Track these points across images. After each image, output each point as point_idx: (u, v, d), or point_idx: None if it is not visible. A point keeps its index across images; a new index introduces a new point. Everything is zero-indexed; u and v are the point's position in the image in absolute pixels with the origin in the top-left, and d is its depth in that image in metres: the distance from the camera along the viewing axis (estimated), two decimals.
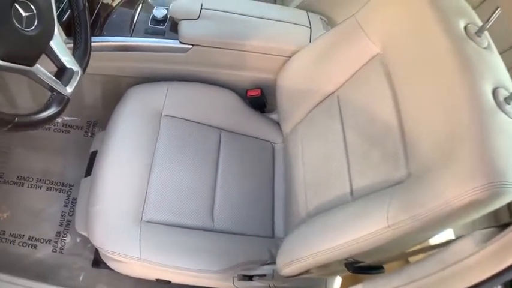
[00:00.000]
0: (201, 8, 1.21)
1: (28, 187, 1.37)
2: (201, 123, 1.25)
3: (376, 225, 0.68)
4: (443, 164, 0.60)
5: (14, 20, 0.74)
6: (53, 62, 0.88)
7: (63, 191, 1.37)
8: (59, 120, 1.49)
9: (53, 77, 0.85)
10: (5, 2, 0.72)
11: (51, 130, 1.48)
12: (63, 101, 0.87)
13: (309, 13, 1.27)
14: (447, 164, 0.59)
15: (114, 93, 1.30)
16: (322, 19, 1.26)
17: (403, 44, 0.82)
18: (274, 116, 1.36)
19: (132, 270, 1.09)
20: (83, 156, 1.30)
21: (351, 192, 0.87)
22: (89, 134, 1.49)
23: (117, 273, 1.18)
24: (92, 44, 1.01)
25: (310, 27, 1.21)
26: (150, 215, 1.05)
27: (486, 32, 0.72)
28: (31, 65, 0.79)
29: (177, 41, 1.21)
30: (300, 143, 1.16)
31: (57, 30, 0.86)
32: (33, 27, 0.78)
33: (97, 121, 1.50)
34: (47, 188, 1.37)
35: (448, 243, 0.61)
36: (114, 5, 1.37)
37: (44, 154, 1.43)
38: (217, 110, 1.27)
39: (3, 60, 0.72)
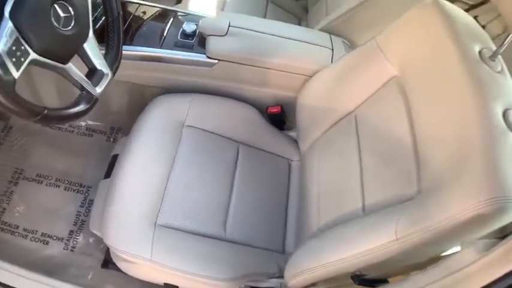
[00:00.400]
0: (229, 26, 1.27)
1: (46, 185, 1.41)
2: (221, 136, 1.28)
3: (385, 239, 0.68)
4: (451, 179, 0.61)
5: (52, 19, 0.80)
6: (85, 63, 0.93)
7: (81, 192, 1.41)
8: (82, 123, 1.54)
9: (84, 77, 0.90)
10: (46, 2, 0.78)
11: (75, 133, 1.54)
12: (91, 100, 0.91)
13: (332, 36, 1.30)
14: (455, 180, 0.60)
15: (139, 101, 1.35)
16: (344, 42, 1.29)
17: (420, 67, 0.84)
18: (292, 133, 1.38)
19: (141, 272, 1.10)
20: (104, 160, 1.33)
21: (363, 208, 0.88)
22: (111, 139, 1.53)
23: (126, 275, 1.20)
24: (125, 52, 1.06)
25: (332, 49, 1.25)
26: (164, 219, 1.07)
27: (500, 57, 0.74)
28: (64, 63, 0.84)
29: (204, 56, 1.26)
30: (316, 161, 1.17)
31: (92, 33, 0.92)
32: (69, 28, 0.83)
33: (120, 128, 1.55)
34: (65, 188, 1.41)
35: (453, 253, 0.61)
36: (145, 17, 1.43)
37: (65, 155, 1.48)
38: (237, 124, 1.30)
39: (39, 55, 0.77)
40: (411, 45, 0.87)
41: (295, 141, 1.35)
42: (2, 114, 1.55)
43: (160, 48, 1.28)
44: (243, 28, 1.28)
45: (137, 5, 1.43)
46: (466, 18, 0.81)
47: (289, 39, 1.27)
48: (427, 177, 0.71)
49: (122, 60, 1.17)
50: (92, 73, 0.94)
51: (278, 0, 1.81)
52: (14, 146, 1.49)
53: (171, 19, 1.39)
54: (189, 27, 1.32)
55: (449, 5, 0.81)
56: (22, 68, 0.74)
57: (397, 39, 0.92)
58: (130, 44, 1.29)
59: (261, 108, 1.35)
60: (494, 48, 0.76)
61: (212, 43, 1.25)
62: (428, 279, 0.59)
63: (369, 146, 0.96)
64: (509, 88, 0.70)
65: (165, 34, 1.33)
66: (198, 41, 1.31)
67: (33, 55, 0.76)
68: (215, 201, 1.15)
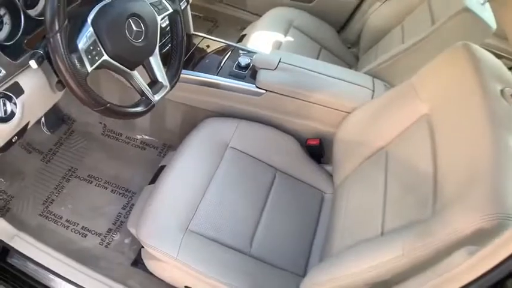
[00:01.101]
0: (279, 61, 1.39)
1: (95, 186, 1.55)
2: (261, 161, 1.36)
3: (393, 254, 0.71)
4: (458, 198, 0.64)
5: (126, 31, 0.95)
6: (148, 73, 1.08)
7: (125, 196, 1.53)
8: (138, 136, 1.70)
9: (146, 85, 1.04)
10: (123, 16, 0.94)
11: (130, 144, 1.69)
12: (149, 105, 1.04)
13: (374, 79, 1.38)
14: (461, 198, 0.63)
15: (191, 122, 1.47)
16: (385, 85, 1.36)
17: (447, 104, 0.89)
18: (329, 168, 1.43)
19: (166, 272, 1.17)
20: (151, 172, 1.46)
21: (381, 234, 0.90)
22: (162, 154, 1.67)
23: (151, 277, 1.28)
24: (183, 75, 1.21)
25: (373, 90, 1.32)
26: (195, 226, 1.15)
27: None
28: (131, 69, 0.99)
29: (254, 85, 1.39)
30: (346, 193, 1.21)
31: (157, 50, 1.07)
32: (139, 41, 0.99)
33: (171, 145, 1.68)
34: (112, 190, 1.54)
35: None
36: (208, 50, 1.60)
37: (117, 162, 1.63)
38: (277, 152, 1.38)
39: (111, 58, 0.92)
40: (442, 85, 0.93)
41: (330, 175, 1.40)
42: (66, 119, 1.76)
43: (216, 76, 1.42)
44: (292, 65, 1.39)
45: (201, 38, 1.61)
46: (493, 60, 0.86)
47: (333, 77, 1.36)
48: (440, 201, 0.74)
49: (182, 83, 1.33)
50: (153, 83, 1.08)
51: (331, 47, 1.94)
52: (72, 148, 1.67)
53: (229, 53, 1.54)
54: (243, 60, 1.46)
55: (477, 47, 0.87)
56: (95, 65, 0.89)
57: (429, 79, 0.98)
58: (191, 70, 1.44)
59: (301, 140, 1.43)
60: None
61: (262, 75, 1.37)
62: (420, 282, 0.61)
63: (394, 177, 1.00)
64: None
65: (222, 64, 1.48)
66: (250, 73, 1.44)
67: (105, 57, 0.91)
68: (246, 218, 1.21)
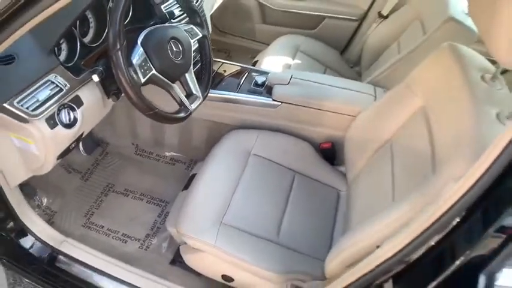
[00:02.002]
0: (291, 77, 1.59)
1: (132, 198, 1.72)
2: (281, 165, 1.53)
3: (400, 211, 0.86)
4: (449, 160, 0.81)
5: (168, 51, 1.16)
6: (183, 87, 1.27)
7: (160, 205, 1.69)
8: (167, 154, 1.89)
9: (184, 96, 1.23)
10: (165, 39, 1.15)
11: (160, 161, 1.87)
12: (187, 113, 1.23)
13: (376, 87, 1.57)
14: (451, 159, 0.80)
15: (215, 137, 1.65)
16: (385, 91, 1.54)
17: (438, 95, 1.07)
18: (342, 168, 1.59)
19: (203, 263, 1.30)
20: (182, 183, 1.63)
21: None
22: (190, 168, 1.84)
23: (188, 273, 1.41)
24: (208, 94, 1.42)
25: (375, 96, 1.51)
26: (228, 220, 1.30)
27: (502, 78, 0.95)
28: (173, 82, 1.18)
29: (270, 99, 1.58)
30: (359, 187, 1.37)
31: (191, 68, 1.27)
32: (179, 59, 1.19)
33: (197, 160, 1.86)
34: (147, 201, 1.71)
35: None
36: (225, 74, 1.80)
37: (150, 177, 1.80)
38: (294, 156, 1.55)
39: (158, 72, 1.12)
40: (432, 80, 1.11)
41: (344, 175, 1.56)
42: (101, 142, 1.94)
43: (237, 93, 1.62)
44: (302, 79, 1.60)
45: (220, 63, 1.82)
46: (474, 54, 1.05)
47: (339, 88, 1.56)
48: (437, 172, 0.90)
49: (206, 101, 1.52)
50: (189, 95, 1.27)
51: (335, 67, 2.15)
52: (108, 167, 1.85)
53: (246, 74, 1.74)
54: (260, 78, 1.66)
55: (460, 46, 1.06)
56: (146, 77, 1.08)
57: (421, 77, 1.16)
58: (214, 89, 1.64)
59: (315, 145, 1.60)
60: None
61: (277, 89, 1.57)
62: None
63: (400, 163, 1.16)
64: (504, 99, 0.90)
65: (240, 84, 1.67)
66: (265, 90, 1.64)
67: (153, 71, 1.11)
68: (271, 212, 1.37)
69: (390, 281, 0.77)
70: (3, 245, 1.38)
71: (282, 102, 1.56)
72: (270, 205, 1.39)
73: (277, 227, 1.34)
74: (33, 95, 1.01)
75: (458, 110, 0.94)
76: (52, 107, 1.05)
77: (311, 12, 2.30)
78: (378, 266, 0.79)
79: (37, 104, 1.01)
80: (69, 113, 1.09)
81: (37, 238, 1.39)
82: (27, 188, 1.54)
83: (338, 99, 1.52)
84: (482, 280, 0.61)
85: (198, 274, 1.42)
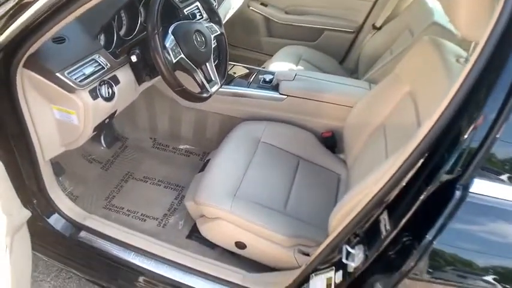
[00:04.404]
0: (296, 75, 1.79)
1: (150, 184, 1.87)
2: (286, 151, 1.70)
3: (390, 164, 1.03)
4: None
5: (194, 40, 1.35)
6: (204, 74, 1.46)
7: (176, 190, 1.84)
8: (182, 147, 2.06)
9: (205, 80, 1.42)
10: (191, 30, 1.35)
11: (176, 153, 2.04)
12: (208, 94, 1.41)
13: (371, 84, 1.77)
14: None
15: (227, 130, 1.83)
16: None
17: (422, 79, 1.26)
18: (342, 156, 1.76)
19: (219, 230, 1.45)
20: (197, 172, 1.79)
21: None
22: (203, 160, 2.00)
23: (203, 246, 1.56)
24: (220, 90, 1.64)
25: (369, 89, 1.70)
26: (241, 194, 1.46)
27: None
28: (197, 68, 1.37)
29: (277, 93, 1.77)
30: (357, 167, 1.53)
31: (212, 58, 1.46)
32: (202, 48, 1.38)
33: (210, 152, 2.02)
34: (164, 186, 1.86)
35: None
36: (235, 76, 2.00)
37: (167, 167, 1.96)
38: (299, 144, 1.73)
39: (185, 56, 1.31)
40: (417, 67, 1.31)
41: (344, 162, 1.73)
42: (120, 137, 2.11)
43: (248, 88, 1.81)
44: (306, 76, 1.79)
45: (232, 65, 2.02)
46: (450, 44, 1.25)
47: (338, 83, 1.75)
48: None
49: (219, 96, 1.72)
50: (209, 81, 1.45)
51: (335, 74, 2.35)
52: (127, 158, 2.02)
53: (254, 74, 1.94)
54: (267, 76, 1.86)
55: (438, 38, 1.26)
56: (177, 59, 1.27)
57: (407, 65, 1.36)
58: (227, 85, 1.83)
59: (317, 135, 1.78)
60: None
61: (283, 84, 1.76)
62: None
63: (392, 142, 1.33)
64: None
65: (250, 81, 1.87)
66: (272, 86, 1.83)
67: (182, 55, 1.30)
68: (279, 189, 1.53)
69: (385, 212, 0.93)
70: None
71: (287, 95, 1.76)
72: (278, 184, 1.56)
73: (284, 201, 1.50)
74: (80, 69, 1.19)
75: (438, 88, 1.12)
76: (95, 82, 1.23)
77: (312, 26, 2.54)
78: (371, 200, 0.95)
79: (83, 77, 1.19)
80: (108, 88, 1.27)
81: (62, 213, 1.52)
82: (57, 167, 1.70)
83: (337, 91, 1.71)
84: (458, 192, 0.78)
85: (212, 247, 1.56)
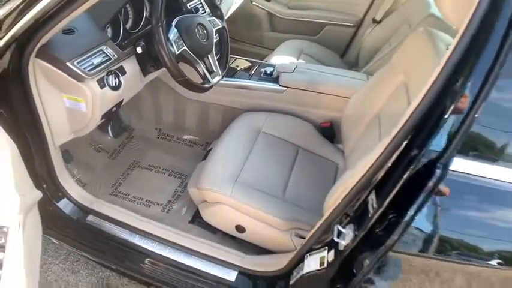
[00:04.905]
0: (296, 67, 1.85)
1: (155, 172, 1.95)
2: (286, 141, 1.77)
3: (383, 146, 1.09)
4: None
5: (196, 33, 1.41)
6: (206, 66, 1.52)
7: (180, 178, 1.91)
8: (186, 137, 2.13)
9: (206, 72, 1.48)
10: (194, 24, 1.41)
11: (180, 143, 2.11)
12: (209, 84, 1.48)
13: (368, 76, 1.82)
14: None
15: (229, 121, 1.89)
16: None
17: (416, 68, 1.31)
18: (340, 146, 1.82)
19: (220, 214, 1.51)
20: (199, 161, 1.86)
21: None
22: (206, 150, 2.07)
23: (205, 230, 1.63)
24: (223, 82, 1.72)
25: (367, 81, 1.75)
26: (241, 179, 1.53)
27: None
28: (199, 59, 1.44)
29: (277, 85, 1.83)
30: (354, 158, 1.59)
31: (214, 50, 1.52)
32: (204, 40, 1.45)
33: (212, 142, 2.09)
34: (169, 174, 1.93)
35: None
36: (238, 68, 2.06)
37: (172, 156, 2.04)
38: (298, 134, 1.80)
39: (188, 48, 1.37)
40: (411, 57, 1.36)
41: (342, 152, 1.79)
42: (127, 128, 2.19)
43: (249, 80, 1.88)
44: (305, 68, 1.85)
45: (234, 59, 2.09)
46: (442, 34, 1.30)
47: (336, 75, 1.81)
48: None
49: (222, 88, 1.78)
50: (210, 72, 1.52)
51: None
52: (133, 148, 2.09)
53: (256, 67, 2.00)
54: (268, 69, 1.93)
55: (432, 29, 1.31)
56: (180, 50, 1.34)
57: (402, 56, 1.41)
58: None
59: (316, 126, 1.84)
60: None
61: (283, 76, 1.82)
62: None
63: (386, 131, 1.39)
64: None
65: (251, 74, 1.94)
66: (273, 79, 1.89)
67: (184, 47, 1.37)
68: (278, 177, 1.60)
69: (373, 192, 0.99)
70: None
71: (287, 87, 1.82)
72: (277, 172, 1.62)
73: (283, 188, 1.57)
74: (88, 59, 1.26)
75: (429, 75, 1.18)
76: (102, 71, 1.30)
77: (313, 20, 2.59)
78: (358, 181, 1.01)
79: (92, 67, 1.26)
80: (115, 78, 1.34)
81: (70, 198, 1.59)
82: (66, 154, 1.77)
83: (335, 83, 1.77)
84: (438, 171, 0.84)
85: (214, 231, 1.63)
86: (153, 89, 2.05)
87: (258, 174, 1.58)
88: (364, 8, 2.44)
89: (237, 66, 2.07)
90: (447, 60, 0.84)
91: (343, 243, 1.05)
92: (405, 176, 0.89)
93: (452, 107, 0.82)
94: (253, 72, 1.97)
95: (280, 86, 1.83)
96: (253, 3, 2.68)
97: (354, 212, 1.07)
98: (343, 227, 1.07)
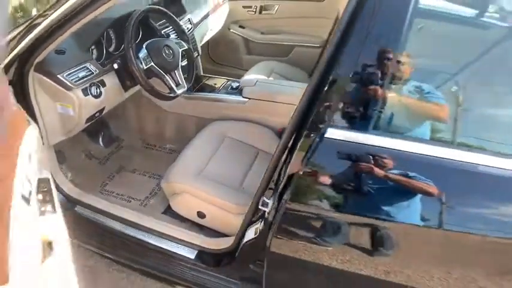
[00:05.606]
0: (257, 81, 2.17)
1: (138, 174, 2.24)
2: (248, 144, 2.06)
3: None
4: None
5: (163, 52, 1.75)
6: (173, 79, 1.84)
7: (158, 179, 2.19)
8: (167, 146, 2.44)
9: (172, 84, 1.81)
10: (161, 45, 1.75)
11: (161, 151, 2.43)
12: (175, 94, 1.80)
13: None
14: None
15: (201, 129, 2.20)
16: None
17: None
18: None
19: (184, 202, 1.79)
20: None
21: None
22: None
23: (175, 220, 1.90)
24: (196, 96, 2.04)
25: None
26: (205, 174, 1.81)
27: None
28: (165, 74, 1.76)
29: (241, 97, 2.15)
30: None
31: (180, 66, 1.85)
32: (170, 58, 1.78)
33: None
34: (149, 176, 2.22)
35: None
36: (216, 87, 2.38)
37: (154, 161, 2.33)
38: (259, 139, 2.09)
39: (155, 64, 1.70)
40: None
41: None
42: (117, 139, 2.51)
43: (218, 94, 2.21)
44: (266, 82, 2.17)
45: (207, 77, 2.42)
46: None
47: (294, 87, 2.12)
48: None
49: (196, 101, 2.11)
50: (177, 84, 1.84)
51: None
52: (121, 156, 2.40)
53: (225, 82, 2.34)
54: (234, 84, 2.26)
55: None
56: (147, 66, 1.67)
57: None
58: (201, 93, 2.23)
59: (274, 131, 2.14)
60: None
61: (246, 89, 2.15)
62: None
63: None
64: None
65: (220, 88, 2.27)
66: (238, 92, 2.22)
67: (152, 63, 1.69)
68: (237, 173, 1.88)
69: (284, 167, 1.28)
70: None
71: (249, 98, 2.13)
72: (237, 168, 1.90)
73: (241, 181, 1.85)
74: (75, 73, 1.59)
75: None
76: (86, 83, 1.63)
77: (284, 43, 2.94)
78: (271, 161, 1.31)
79: (77, 79, 1.59)
80: (96, 88, 1.67)
81: (60, 189, 1.88)
82: (60, 155, 2.08)
83: (291, 93, 2.07)
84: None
85: (183, 220, 1.91)
86: (137, 106, 2.38)
87: (220, 170, 1.87)
88: (328, 30, 2.76)
89: (215, 84, 2.41)
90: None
91: (266, 210, 1.33)
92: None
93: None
94: (221, 86, 2.30)
95: (243, 97, 2.15)
96: (231, 30, 3.04)
97: (274, 185, 1.35)
98: (268, 198, 1.36)
